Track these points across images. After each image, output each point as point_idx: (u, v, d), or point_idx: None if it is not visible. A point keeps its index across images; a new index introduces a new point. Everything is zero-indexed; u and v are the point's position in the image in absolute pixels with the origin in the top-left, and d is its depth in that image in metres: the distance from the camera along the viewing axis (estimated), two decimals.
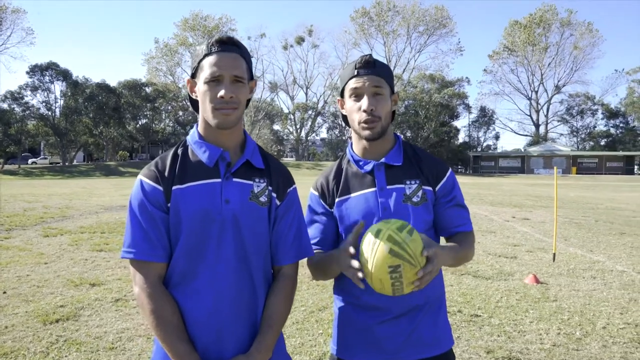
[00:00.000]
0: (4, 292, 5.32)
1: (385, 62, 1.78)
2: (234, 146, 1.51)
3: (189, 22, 68.11)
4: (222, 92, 1.39)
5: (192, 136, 1.53)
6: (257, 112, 65.18)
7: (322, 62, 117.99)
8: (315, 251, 1.71)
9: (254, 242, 1.46)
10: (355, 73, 1.65)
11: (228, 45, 1.44)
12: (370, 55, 1.67)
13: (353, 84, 1.65)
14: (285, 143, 77.18)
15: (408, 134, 59.48)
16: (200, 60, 1.44)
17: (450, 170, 1.75)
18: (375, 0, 68.03)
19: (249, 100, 1.53)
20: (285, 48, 74.33)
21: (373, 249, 1.40)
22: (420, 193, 1.67)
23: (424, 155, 1.76)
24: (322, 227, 1.75)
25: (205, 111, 1.44)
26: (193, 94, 1.50)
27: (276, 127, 75.42)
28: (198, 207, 1.41)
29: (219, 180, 1.44)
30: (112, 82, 62.96)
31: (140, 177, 1.46)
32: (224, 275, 1.42)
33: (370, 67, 1.64)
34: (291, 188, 1.58)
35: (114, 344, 3.94)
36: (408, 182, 1.67)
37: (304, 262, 1.66)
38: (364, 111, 1.62)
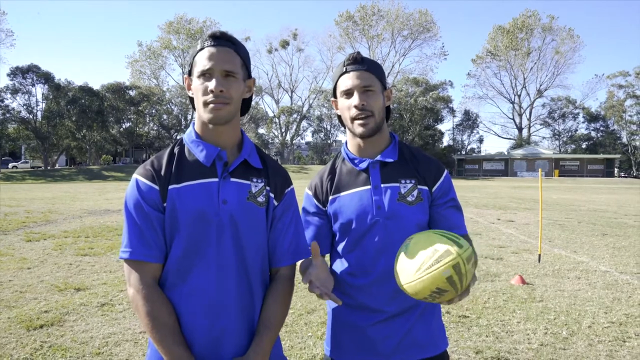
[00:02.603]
0: None
1: None
2: (231, 145, 1.48)
3: (173, 25, 67.78)
4: (211, 86, 1.37)
5: (188, 135, 1.50)
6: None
7: (307, 66, 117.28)
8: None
9: (252, 243, 1.44)
10: (344, 70, 1.64)
11: (221, 40, 1.42)
12: (358, 52, 1.66)
13: (343, 81, 1.64)
14: (270, 147, 76.93)
15: None
16: (194, 56, 1.43)
17: (446, 171, 1.74)
18: (359, 4, 68.49)
19: (249, 100, 1.51)
20: (269, 52, 74.24)
21: (432, 265, 1.34)
22: (415, 193, 1.64)
23: (420, 155, 1.74)
24: (315, 228, 1.73)
25: (198, 106, 1.42)
26: (190, 91, 1.47)
27: (261, 130, 75.15)
28: (195, 207, 1.38)
29: (216, 179, 1.42)
30: (95, 85, 62.34)
31: (135, 176, 1.43)
32: (221, 276, 1.39)
33: (359, 63, 1.63)
34: (289, 189, 1.56)
35: (101, 349, 3.87)
36: (403, 181, 1.65)
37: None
38: (355, 107, 1.61)
